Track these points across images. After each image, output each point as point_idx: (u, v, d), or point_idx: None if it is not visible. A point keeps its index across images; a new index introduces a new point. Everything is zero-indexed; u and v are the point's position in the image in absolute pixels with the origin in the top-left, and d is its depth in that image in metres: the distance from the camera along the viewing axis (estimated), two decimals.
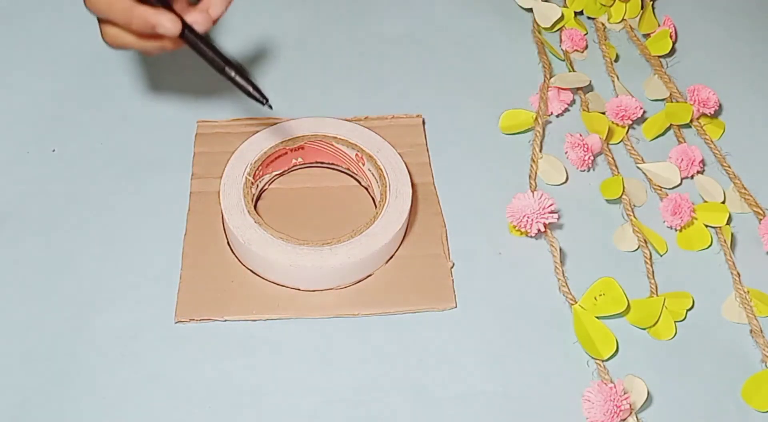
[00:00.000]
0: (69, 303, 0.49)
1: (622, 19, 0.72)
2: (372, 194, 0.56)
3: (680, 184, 0.59)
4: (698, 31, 0.72)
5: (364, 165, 0.55)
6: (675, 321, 0.51)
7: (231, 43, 0.67)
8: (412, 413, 0.46)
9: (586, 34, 0.70)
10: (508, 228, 0.55)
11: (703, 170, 0.61)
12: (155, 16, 0.43)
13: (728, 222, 0.56)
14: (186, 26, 0.44)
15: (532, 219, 0.53)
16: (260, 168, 0.54)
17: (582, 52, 0.69)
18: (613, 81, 0.66)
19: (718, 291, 0.53)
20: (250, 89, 0.45)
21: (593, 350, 0.48)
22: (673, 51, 0.69)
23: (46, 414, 0.45)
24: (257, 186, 0.54)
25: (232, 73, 0.45)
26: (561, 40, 0.69)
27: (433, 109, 0.63)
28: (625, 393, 0.45)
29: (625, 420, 0.46)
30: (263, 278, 0.51)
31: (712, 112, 0.63)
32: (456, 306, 0.51)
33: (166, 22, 0.43)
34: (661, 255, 0.55)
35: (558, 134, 0.62)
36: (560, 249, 0.53)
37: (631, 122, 0.62)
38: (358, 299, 0.51)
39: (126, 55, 0.65)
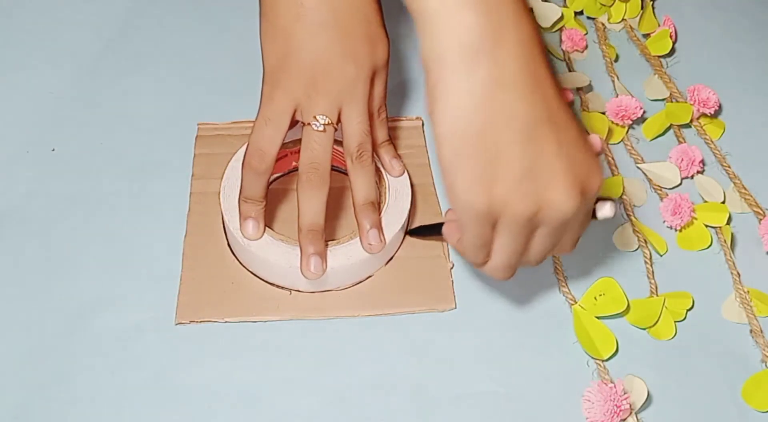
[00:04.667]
0: (69, 303, 0.49)
1: (622, 19, 0.72)
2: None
3: (680, 184, 0.59)
4: (698, 31, 0.72)
5: None
6: (675, 321, 0.51)
7: (232, 43, 0.67)
8: (411, 413, 0.46)
9: (586, 34, 0.70)
10: None
11: (703, 170, 0.61)
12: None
13: (728, 222, 0.56)
14: None
15: None
16: None
17: (582, 52, 0.69)
18: (613, 81, 0.66)
19: (718, 291, 0.53)
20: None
21: (593, 350, 0.48)
22: (673, 51, 0.69)
23: (46, 415, 0.45)
24: None
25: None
26: (561, 40, 0.69)
27: None
28: (625, 393, 0.45)
29: (625, 420, 0.46)
30: (263, 279, 0.51)
31: (712, 112, 0.63)
32: (456, 307, 0.51)
33: None
34: (661, 255, 0.55)
35: None
36: None
37: (631, 122, 0.62)
38: (358, 300, 0.51)
39: (126, 54, 0.65)
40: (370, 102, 0.49)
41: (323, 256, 0.49)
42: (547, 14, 0.69)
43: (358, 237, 0.50)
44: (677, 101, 0.64)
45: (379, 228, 0.50)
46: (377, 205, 0.50)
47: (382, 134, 0.52)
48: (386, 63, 0.49)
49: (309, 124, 0.46)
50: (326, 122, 0.46)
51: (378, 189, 0.53)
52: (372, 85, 0.49)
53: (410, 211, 0.52)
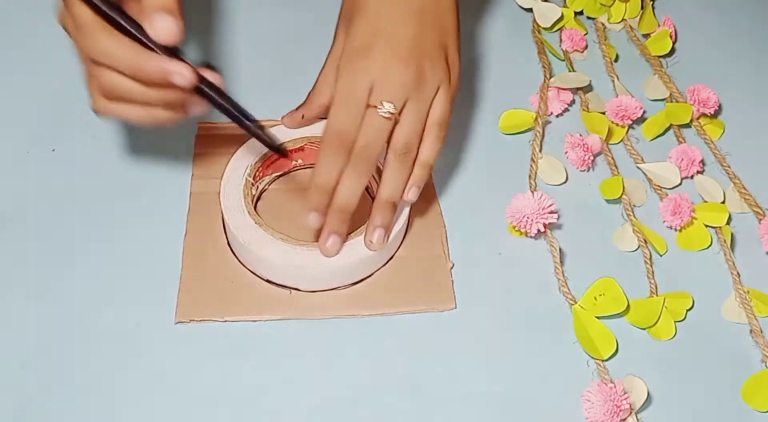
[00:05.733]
0: (69, 303, 0.49)
1: (622, 19, 0.72)
2: (372, 194, 0.56)
3: (680, 184, 0.59)
4: (698, 31, 0.72)
5: None
6: (675, 321, 0.51)
7: (232, 42, 0.67)
8: (412, 413, 0.46)
9: (586, 34, 0.70)
10: (508, 229, 0.55)
11: (703, 170, 0.61)
12: (170, 63, 0.40)
13: (728, 222, 0.56)
14: (201, 78, 0.42)
15: (531, 220, 0.53)
16: (260, 169, 0.54)
17: (582, 52, 0.69)
18: (613, 81, 0.66)
19: (718, 291, 0.53)
20: (270, 142, 0.46)
21: (593, 350, 0.48)
22: (673, 51, 0.69)
23: (47, 415, 0.45)
24: (257, 187, 0.54)
25: (252, 127, 0.45)
26: (561, 40, 0.69)
27: None
28: (625, 393, 0.45)
29: (625, 420, 0.46)
30: (263, 279, 0.51)
31: (712, 112, 0.63)
32: (456, 307, 0.51)
33: (184, 70, 0.40)
34: (661, 255, 0.55)
35: (558, 134, 0.62)
36: (560, 249, 0.53)
37: (631, 122, 0.62)
38: (358, 300, 0.51)
39: None
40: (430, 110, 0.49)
41: (342, 239, 0.49)
42: (547, 14, 0.69)
43: (359, 237, 0.50)
44: (677, 101, 0.64)
45: (388, 231, 0.49)
46: (395, 209, 0.50)
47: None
48: (456, 85, 0.50)
49: (375, 107, 0.46)
50: (393, 111, 0.46)
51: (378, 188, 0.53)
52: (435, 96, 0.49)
53: (410, 211, 0.52)
